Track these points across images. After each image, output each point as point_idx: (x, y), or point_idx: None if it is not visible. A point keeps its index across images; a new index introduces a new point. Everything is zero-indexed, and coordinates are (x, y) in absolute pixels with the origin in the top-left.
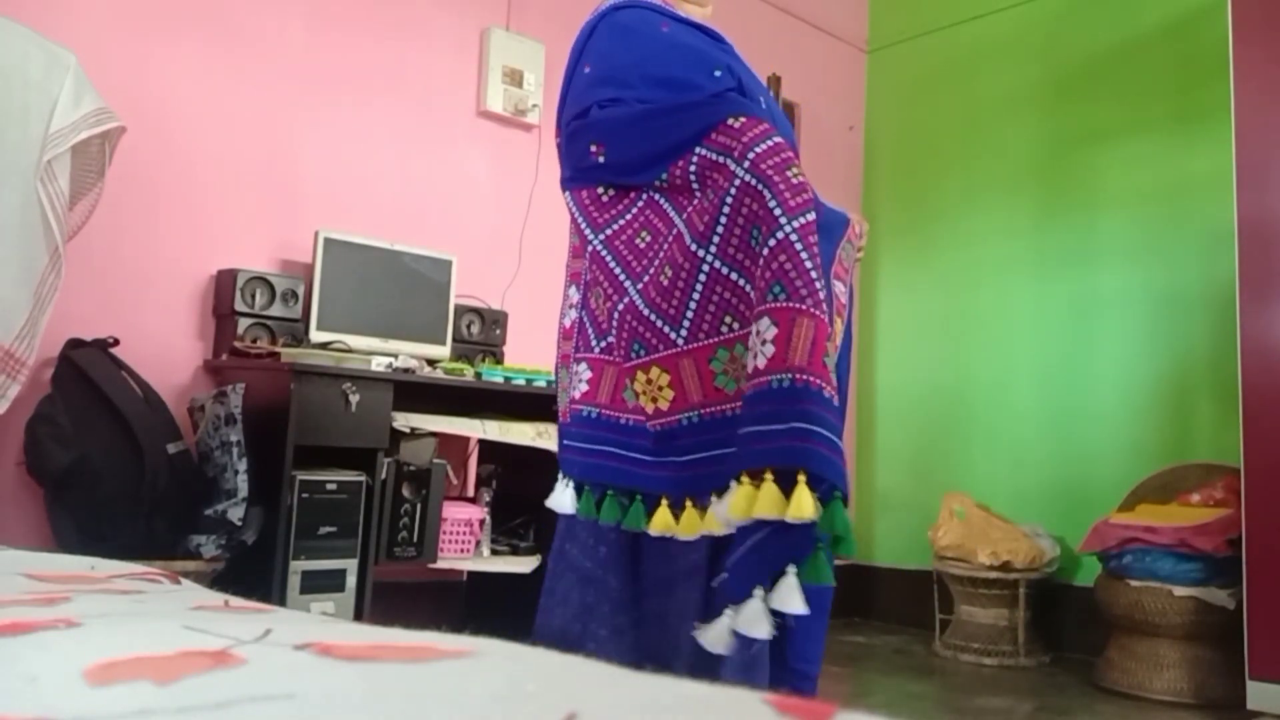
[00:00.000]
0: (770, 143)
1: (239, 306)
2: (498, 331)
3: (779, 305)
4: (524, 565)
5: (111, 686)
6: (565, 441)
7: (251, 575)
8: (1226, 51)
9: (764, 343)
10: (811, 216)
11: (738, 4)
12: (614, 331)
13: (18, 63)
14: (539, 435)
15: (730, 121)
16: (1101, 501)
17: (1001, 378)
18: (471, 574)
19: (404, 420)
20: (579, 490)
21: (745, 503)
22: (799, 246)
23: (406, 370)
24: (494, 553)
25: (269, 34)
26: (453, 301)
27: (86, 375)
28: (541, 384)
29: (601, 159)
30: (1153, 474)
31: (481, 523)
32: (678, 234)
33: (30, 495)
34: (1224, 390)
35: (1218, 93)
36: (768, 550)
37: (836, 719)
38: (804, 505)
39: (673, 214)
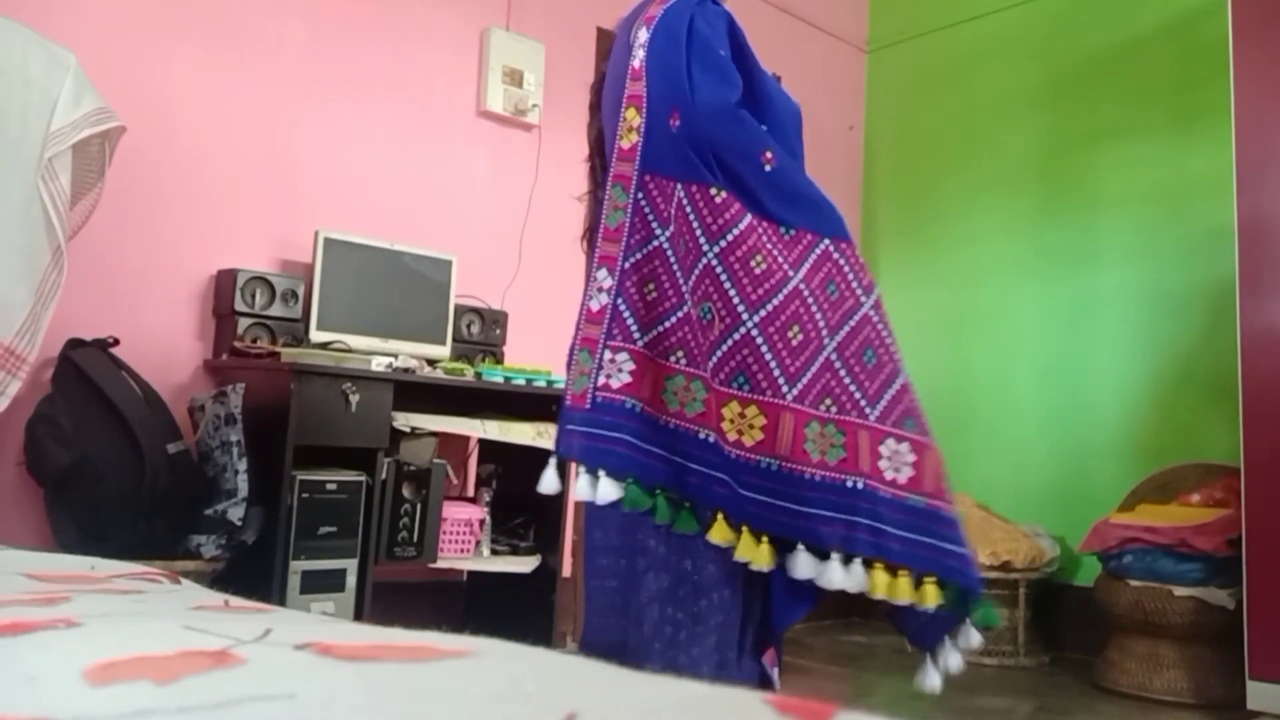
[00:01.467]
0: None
1: (239, 306)
2: (498, 331)
3: (918, 438)
4: (524, 565)
5: (111, 686)
6: (586, 429)
7: (251, 575)
8: (1226, 51)
9: (904, 464)
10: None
11: (738, 4)
12: (716, 353)
13: (18, 62)
14: (539, 435)
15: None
16: (1101, 501)
17: (1001, 378)
18: (471, 574)
19: (404, 420)
20: (618, 480)
21: (885, 586)
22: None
23: (406, 370)
24: (494, 553)
25: (269, 34)
26: (453, 301)
27: (86, 375)
28: (541, 384)
29: (769, 169)
30: (1153, 474)
31: (481, 523)
32: (804, 298)
33: (30, 495)
34: (1224, 390)
35: (1218, 93)
36: (942, 617)
37: (836, 719)
38: (929, 596)
39: (788, 267)
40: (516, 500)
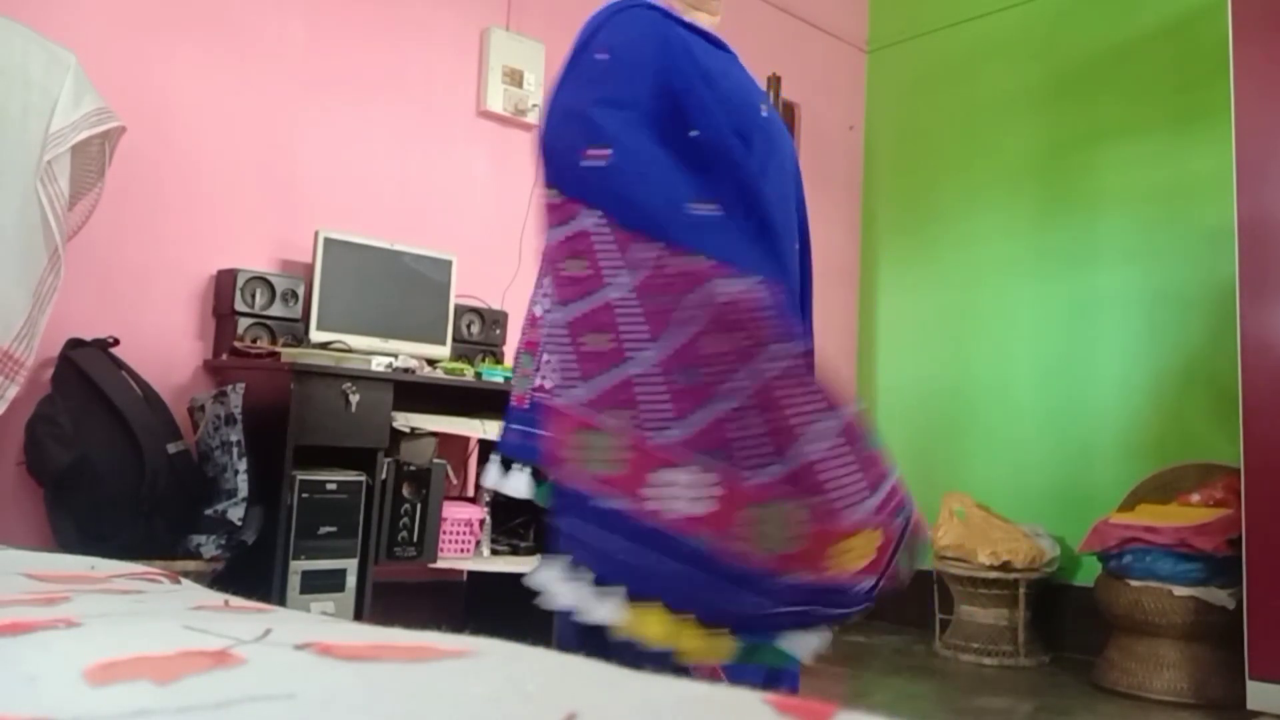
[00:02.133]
0: None
1: (239, 306)
2: (498, 331)
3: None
4: (524, 565)
5: (111, 686)
6: (521, 427)
7: (251, 575)
8: (1226, 51)
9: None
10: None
11: (738, 4)
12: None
13: (18, 62)
14: None
15: None
16: (1101, 501)
17: (1001, 377)
18: (471, 574)
19: (404, 420)
20: (538, 479)
21: None
22: None
23: (406, 370)
24: (494, 552)
25: (269, 34)
26: (453, 301)
27: (86, 375)
28: None
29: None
30: (1153, 474)
31: (481, 522)
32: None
33: (30, 495)
34: (1224, 390)
35: (1218, 93)
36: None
37: (836, 719)
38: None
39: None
40: (516, 500)
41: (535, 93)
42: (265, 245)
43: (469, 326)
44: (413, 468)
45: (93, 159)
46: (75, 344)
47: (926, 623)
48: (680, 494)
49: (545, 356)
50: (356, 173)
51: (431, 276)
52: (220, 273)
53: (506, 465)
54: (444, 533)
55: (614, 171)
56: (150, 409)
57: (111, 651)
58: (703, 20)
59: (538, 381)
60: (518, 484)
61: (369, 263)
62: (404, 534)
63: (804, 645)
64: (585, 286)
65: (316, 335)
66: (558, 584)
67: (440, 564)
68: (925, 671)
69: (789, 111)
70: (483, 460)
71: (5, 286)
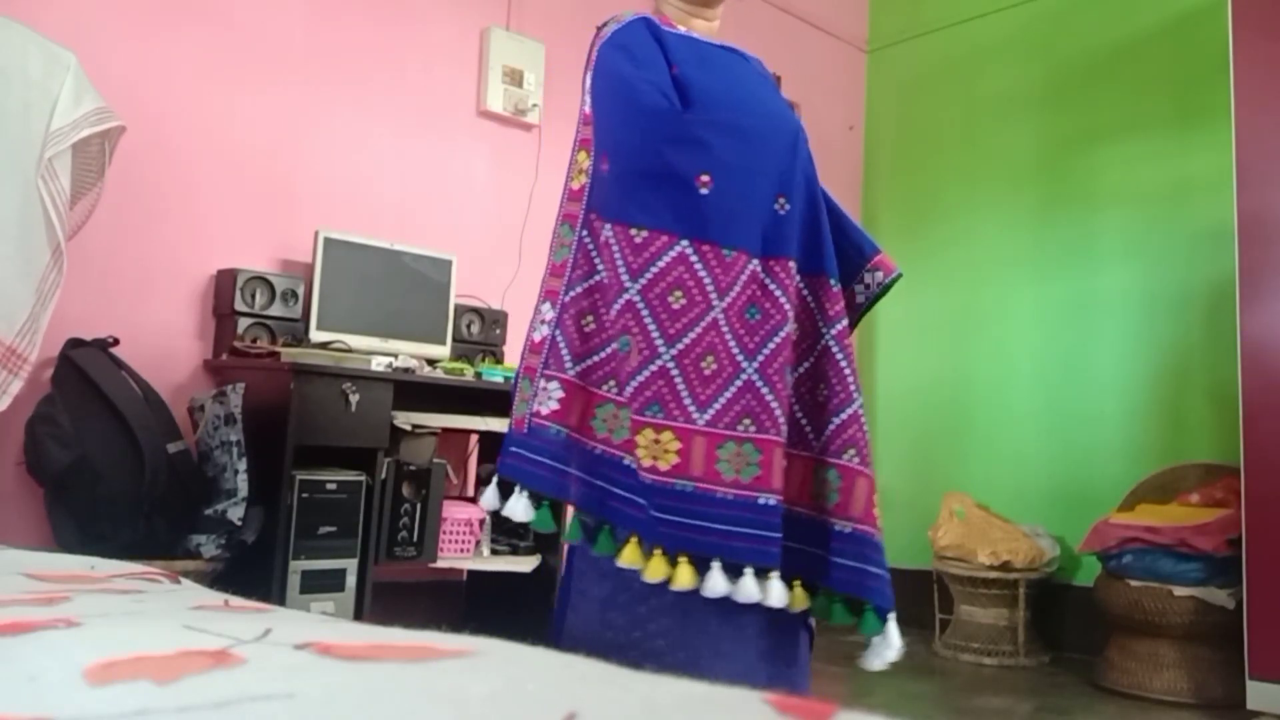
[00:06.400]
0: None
1: (239, 306)
2: (498, 331)
3: (848, 465)
4: (524, 565)
5: (111, 686)
6: (520, 451)
7: (251, 575)
8: (1226, 51)
9: (833, 490)
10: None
11: (738, 4)
12: (633, 382)
13: (18, 62)
14: None
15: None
16: (1101, 501)
17: (1001, 377)
18: (471, 574)
19: (404, 420)
20: (535, 502)
21: (802, 601)
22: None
23: (406, 370)
24: (494, 552)
25: (269, 34)
26: (453, 301)
27: (86, 375)
28: None
29: (705, 192)
30: (1153, 474)
31: (481, 522)
32: (719, 329)
33: (30, 495)
34: (1224, 390)
35: (1218, 93)
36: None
37: (836, 719)
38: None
39: (714, 296)
40: None
41: (535, 92)
42: (265, 245)
43: (469, 326)
44: (413, 467)
45: (93, 158)
46: (75, 343)
47: (926, 622)
48: (541, 396)
49: (543, 383)
50: (356, 173)
51: (431, 276)
52: (220, 272)
53: (504, 490)
54: (444, 532)
55: (717, 196)
56: (150, 409)
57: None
58: (699, 28)
59: (535, 407)
60: (516, 508)
61: (369, 263)
62: (404, 534)
63: (772, 591)
64: (693, 316)
65: (316, 335)
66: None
67: (440, 564)
68: (925, 671)
69: None
70: (483, 460)
71: (8, 282)
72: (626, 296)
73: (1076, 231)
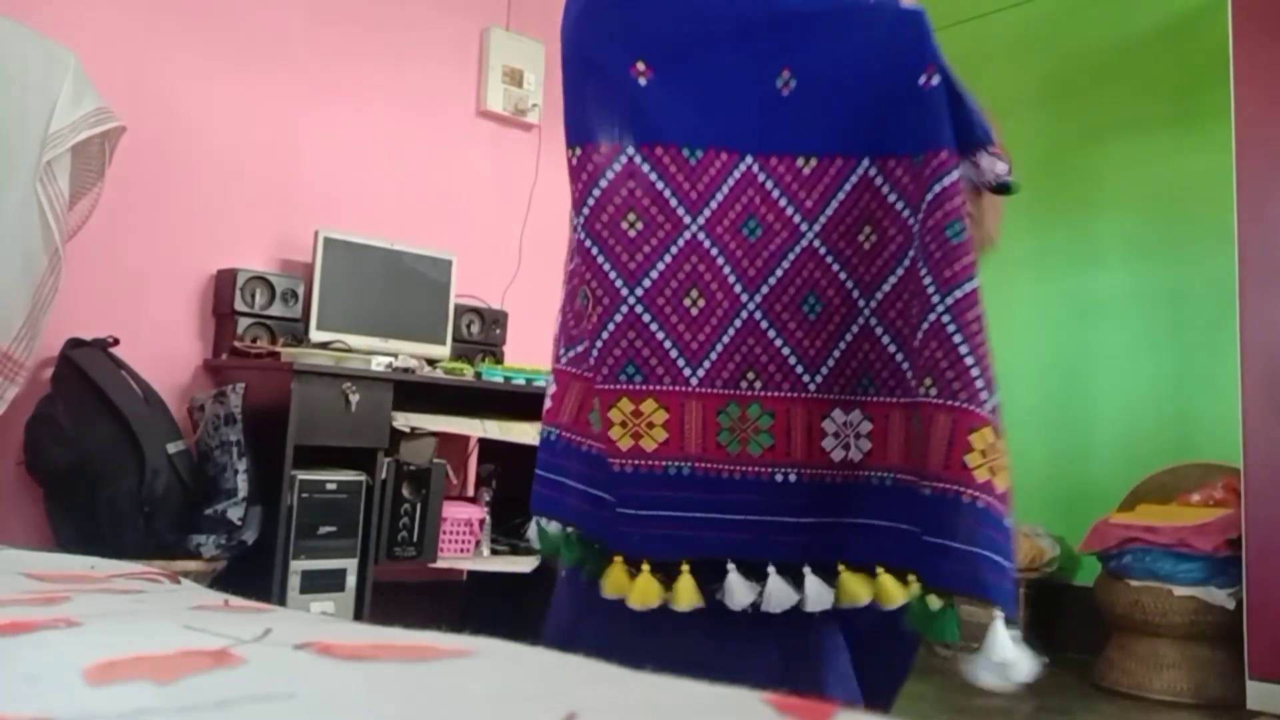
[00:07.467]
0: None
1: (239, 306)
2: (498, 331)
3: (925, 401)
4: (524, 565)
5: (111, 686)
6: (538, 471)
7: (251, 575)
8: (1226, 51)
9: (918, 442)
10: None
11: None
12: (598, 341)
13: (18, 63)
14: (539, 435)
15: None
16: (1101, 501)
17: (1001, 377)
18: (471, 574)
19: (404, 420)
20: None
21: (860, 588)
22: (952, 330)
23: (406, 370)
24: (494, 552)
25: (269, 34)
26: (453, 301)
27: (86, 375)
28: (541, 383)
29: (644, 81)
30: (1153, 474)
31: (481, 522)
32: (704, 251)
33: (30, 495)
34: (1224, 390)
35: (1218, 93)
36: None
37: (836, 719)
38: (893, 594)
39: (682, 211)
40: (516, 500)
41: (535, 92)
42: (265, 245)
43: (469, 326)
44: (412, 468)
45: (92, 159)
46: (75, 344)
47: None
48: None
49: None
50: (356, 172)
51: (431, 276)
52: (220, 272)
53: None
54: (444, 533)
55: (651, 86)
56: (150, 409)
57: (111, 651)
58: None
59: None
60: (530, 534)
61: (369, 262)
62: (404, 534)
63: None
64: (659, 239)
65: (316, 335)
66: None
67: (440, 564)
68: (925, 671)
69: None
70: (483, 460)
71: (4, 287)
72: (574, 236)
73: (1076, 231)
